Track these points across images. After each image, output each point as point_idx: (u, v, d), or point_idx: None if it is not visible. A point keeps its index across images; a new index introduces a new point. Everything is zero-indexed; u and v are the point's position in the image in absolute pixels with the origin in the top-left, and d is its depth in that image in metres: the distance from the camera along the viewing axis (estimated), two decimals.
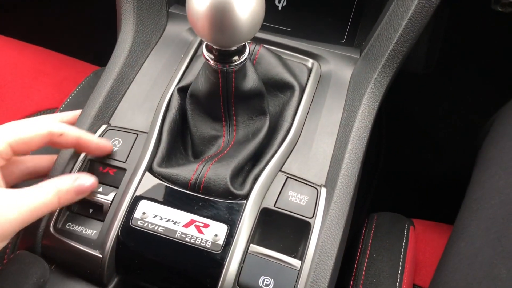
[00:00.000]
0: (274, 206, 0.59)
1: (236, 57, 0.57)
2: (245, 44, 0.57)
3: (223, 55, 0.56)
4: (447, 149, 1.41)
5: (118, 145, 0.63)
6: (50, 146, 0.56)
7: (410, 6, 0.65)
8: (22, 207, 0.49)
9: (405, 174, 1.38)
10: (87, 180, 0.57)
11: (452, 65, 1.40)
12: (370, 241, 0.71)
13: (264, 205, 0.59)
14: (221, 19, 0.49)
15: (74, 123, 0.65)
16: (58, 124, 0.56)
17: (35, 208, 0.51)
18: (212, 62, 0.56)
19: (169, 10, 0.76)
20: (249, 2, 0.50)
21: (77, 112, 0.66)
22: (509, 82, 1.26)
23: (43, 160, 0.62)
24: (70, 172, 0.61)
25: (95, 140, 0.60)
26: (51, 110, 0.84)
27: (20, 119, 0.82)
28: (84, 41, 1.49)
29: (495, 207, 0.59)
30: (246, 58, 0.58)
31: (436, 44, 1.34)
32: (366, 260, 0.68)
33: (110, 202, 0.58)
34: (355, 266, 0.69)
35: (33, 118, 0.63)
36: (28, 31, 1.25)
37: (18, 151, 0.53)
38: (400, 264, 0.68)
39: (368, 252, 0.69)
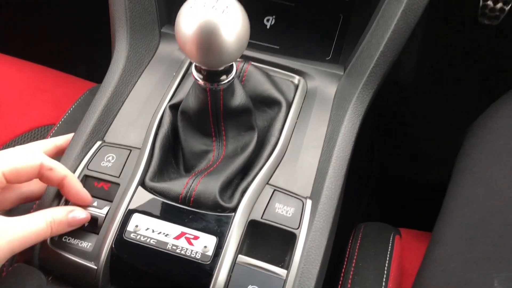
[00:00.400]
0: (262, 218, 0.61)
1: (224, 76, 0.60)
2: (232, 64, 0.60)
3: (211, 75, 0.59)
4: (439, 158, 1.44)
5: (112, 161, 0.65)
6: (38, 179, 0.58)
7: (390, 25, 0.68)
8: (12, 236, 0.51)
9: (398, 183, 1.40)
10: (81, 214, 0.59)
11: (443, 76, 1.43)
12: (357, 250, 0.74)
13: (252, 217, 0.61)
14: (208, 42, 0.52)
15: (67, 146, 0.67)
16: (50, 159, 0.58)
17: (26, 237, 0.53)
18: (201, 82, 0.59)
19: (162, 30, 0.80)
20: (234, 26, 0.53)
21: (70, 135, 0.69)
22: (498, 93, 1.29)
23: (37, 185, 0.64)
24: (61, 196, 0.63)
25: (78, 186, 0.60)
26: (49, 126, 0.87)
27: (19, 135, 0.86)
28: (81, 57, 1.52)
29: (467, 215, 0.62)
30: (233, 77, 0.61)
31: (426, 56, 1.38)
32: (352, 268, 0.71)
33: (104, 215, 0.61)
34: (342, 274, 0.71)
35: (29, 144, 0.65)
36: (25, 48, 1.28)
37: (12, 181, 0.55)
38: (385, 272, 0.70)
39: (354, 261, 0.72)
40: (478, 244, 0.58)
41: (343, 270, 0.72)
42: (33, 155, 0.56)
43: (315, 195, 0.64)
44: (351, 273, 0.70)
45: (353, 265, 0.71)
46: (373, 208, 1.38)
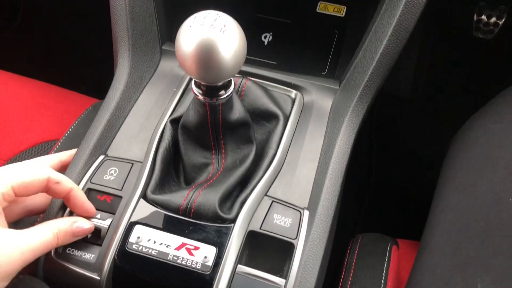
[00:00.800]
0: (260, 228, 0.63)
1: (222, 91, 0.62)
2: (230, 80, 0.62)
3: (211, 90, 0.61)
4: (437, 169, 1.46)
5: (115, 174, 0.67)
6: (45, 192, 0.60)
7: (382, 41, 0.70)
8: (24, 247, 0.53)
9: (396, 192, 1.42)
10: (85, 224, 0.61)
11: (439, 89, 1.45)
12: (354, 260, 0.75)
13: (251, 228, 0.63)
14: (207, 59, 0.54)
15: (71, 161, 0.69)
16: (57, 173, 0.60)
17: (36, 248, 0.55)
18: (200, 97, 0.62)
19: (162, 48, 0.82)
20: (232, 43, 0.55)
21: (74, 151, 0.71)
22: None
23: (42, 198, 0.65)
24: (65, 209, 0.65)
25: (83, 198, 0.62)
26: (53, 141, 0.89)
27: (23, 150, 0.88)
28: (84, 74, 1.55)
29: (450, 222, 0.64)
30: (232, 92, 0.63)
31: (422, 71, 1.40)
32: (350, 278, 0.72)
33: (107, 227, 0.63)
34: (340, 284, 0.73)
35: (34, 159, 0.67)
36: (29, 66, 1.30)
37: (20, 194, 0.57)
38: (382, 281, 0.71)
39: (352, 270, 0.73)
40: (462, 249, 0.59)
41: (341, 279, 0.73)
42: (40, 169, 0.58)
43: (312, 205, 0.65)
44: (349, 282, 0.72)
45: (351, 275, 0.73)
46: (372, 217, 1.40)
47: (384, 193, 1.43)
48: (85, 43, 1.61)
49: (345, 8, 0.91)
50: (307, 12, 0.92)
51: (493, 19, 1.30)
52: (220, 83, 0.60)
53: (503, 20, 1.29)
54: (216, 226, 0.62)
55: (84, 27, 1.60)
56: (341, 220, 0.72)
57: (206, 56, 0.54)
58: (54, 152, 0.85)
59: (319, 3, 0.92)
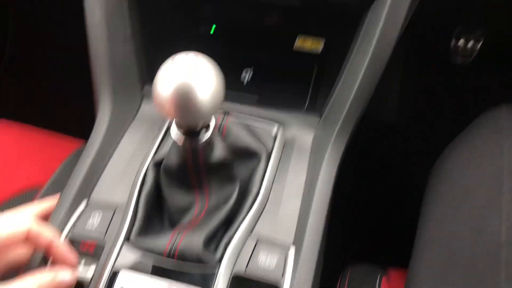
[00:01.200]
0: (245, 271, 0.62)
1: (203, 132, 0.62)
2: (210, 120, 0.62)
3: (190, 133, 0.61)
4: (423, 191, 1.46)
5: (98, 221, 0.67)
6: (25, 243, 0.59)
7: (359, 74, 0.72)
8: None
9: (384, 217, 1.42)
10: (66, 275, 0.60)
11: (424, 114, 1.47)
12: None
13: (236, 269, 0.62)
14: (184, 103, 0.54)
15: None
16: (37, 224, 0.59)
17: None
18: (180, 139, 0.62)
19: (143, 90, 0.83)
20: (209, 86, 0.55)
21: (56, 196, 0.70)
22: None
23: (24, 251, 0.64)
24: (48, 259, 0.63)
25: (64, 249, 0.62)
26: (36, 187, 0.88)
27: (5, 199, 0.87)
28: (71, 114, 1.55)
29: (435, 251, 0.64)
30: (212, 133, 0.63)
31: (406, 96, 1.42)
32: None
33: (90, 278, 0.62)
34: None
35: (14, 211, 0.66)
36: (15, 107, 1.30)
37: None
38: None
39: None
40: (449, 278, 0.59)
41: None
42: (19, 223, 0.58)
43: (298, 241, 0.65)
44: None
45: None
46: (361, 242, 1.39)
47: (372, 216, 1.43)
48: (72, 83, 1.62)
49: (323, 41, 0.93)
50: (286, 47, 0.93)
51: (470, 43, 1.33)
52: (200, 126, 0.60)
53: (480, 43, 1.32)
54: (201, 268, 0.61)
55: (71, 67, 1.62)
56: (330, 248, 0.71)
57: (184, 100, 0.54)
58: (37, 200, 0.85)
59: (297, 38, 0.94)
